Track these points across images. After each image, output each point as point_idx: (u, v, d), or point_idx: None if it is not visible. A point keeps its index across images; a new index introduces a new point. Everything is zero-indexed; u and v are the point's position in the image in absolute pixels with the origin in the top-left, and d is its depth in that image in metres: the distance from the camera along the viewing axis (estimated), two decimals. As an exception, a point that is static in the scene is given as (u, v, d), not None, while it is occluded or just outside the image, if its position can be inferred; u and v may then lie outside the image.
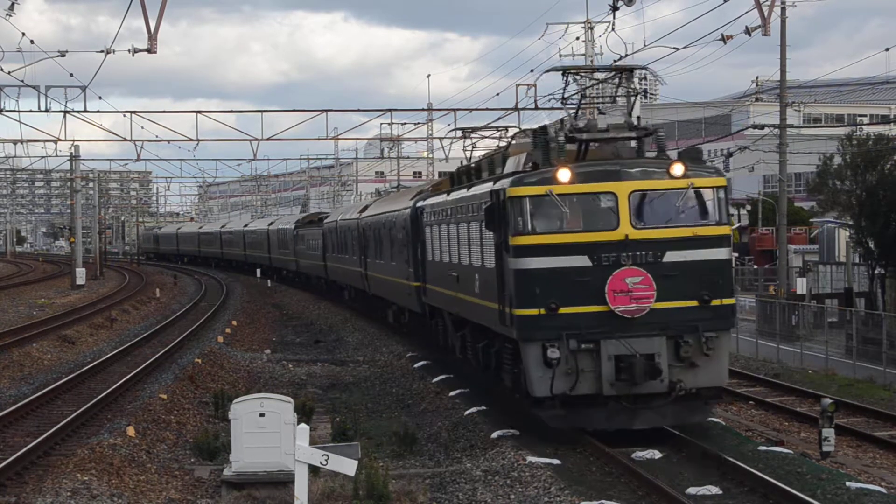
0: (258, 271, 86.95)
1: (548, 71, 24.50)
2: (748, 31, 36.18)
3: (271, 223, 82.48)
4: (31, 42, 39.87)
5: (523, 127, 34.20)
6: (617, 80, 25.11)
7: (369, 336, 40.39)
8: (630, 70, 23.79)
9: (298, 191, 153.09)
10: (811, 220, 66.35)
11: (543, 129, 20.88)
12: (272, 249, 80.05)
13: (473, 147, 32.02)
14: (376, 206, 41.77)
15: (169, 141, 71.80)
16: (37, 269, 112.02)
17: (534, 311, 19.21)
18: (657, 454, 18.76)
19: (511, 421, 21.15)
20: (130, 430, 20.73)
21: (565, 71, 22.57)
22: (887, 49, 51.82)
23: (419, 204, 30.68)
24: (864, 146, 40.89)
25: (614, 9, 35.53)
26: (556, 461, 18.00)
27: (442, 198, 27.19)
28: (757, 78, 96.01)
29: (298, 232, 67.67)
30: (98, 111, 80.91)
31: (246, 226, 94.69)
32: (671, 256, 19.33)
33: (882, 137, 42.15)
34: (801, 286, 45.32)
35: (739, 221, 77.70)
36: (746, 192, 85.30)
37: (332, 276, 55.59)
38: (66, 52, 42.98)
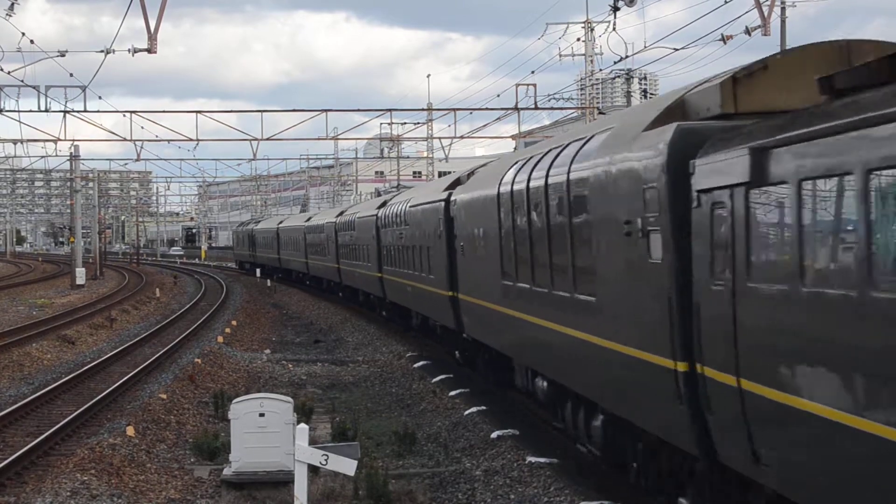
0: (258, 271, 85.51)
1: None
2: (748, 31, 36.24)
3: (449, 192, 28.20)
4: (31, 42, 39.96)
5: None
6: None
7: (369, 336, 40.38)
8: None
9: (298, 191, 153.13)
10: None
11: None
12: (422, 274, 30.72)
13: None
14: None
15: (169, 141, 72.22)
16: (37, 269, 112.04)
17: None
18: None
19: (511, 421, 21.15)
20: (130, 430, 20.72)
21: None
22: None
23: None
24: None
25: (615, 9, 35.59)
26: (555, 461, 17.98)
27: None
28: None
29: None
30: (98, 111, 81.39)
31: (382, 206, 40.96)
32: None
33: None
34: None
35: None
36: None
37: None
38: (66, 51, 43.09)
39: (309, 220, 68.36)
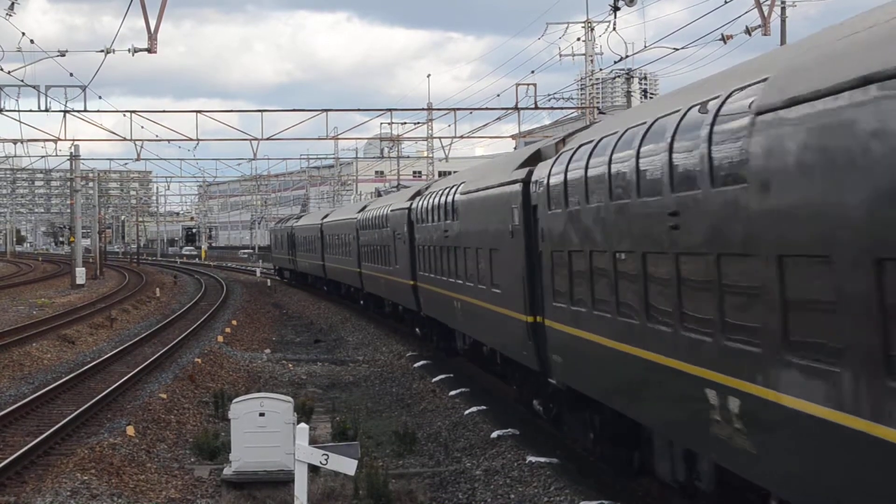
0: (258, 270, 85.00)
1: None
2: (748, 31, 36.22)
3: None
4: (31, 42, 39.95)
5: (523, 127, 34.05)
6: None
7: (369, 336, 40.38)
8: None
9: (298, 190, 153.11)
10: None
11: None
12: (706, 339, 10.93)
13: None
14: None
15: (169, 140, 72.05)
16: (37, 268, 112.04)
17: None
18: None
19: (511, 420, 21.14)
20: (130, 430, 20.72)
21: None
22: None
23: None
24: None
25: (615, 8, 35.57)
26: (555, 461, 17.97)
27: None
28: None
29: None
30: (98, 111, 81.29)
31: (532, 160, 19.04)
32: None
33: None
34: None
35: None
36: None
37: None
38: (66, 51, 43.07)
39: (363, 209, 46.17)
